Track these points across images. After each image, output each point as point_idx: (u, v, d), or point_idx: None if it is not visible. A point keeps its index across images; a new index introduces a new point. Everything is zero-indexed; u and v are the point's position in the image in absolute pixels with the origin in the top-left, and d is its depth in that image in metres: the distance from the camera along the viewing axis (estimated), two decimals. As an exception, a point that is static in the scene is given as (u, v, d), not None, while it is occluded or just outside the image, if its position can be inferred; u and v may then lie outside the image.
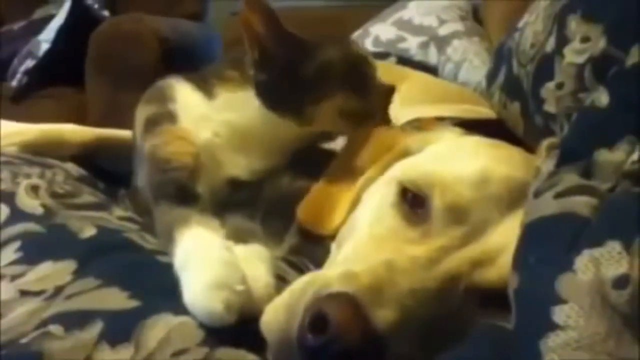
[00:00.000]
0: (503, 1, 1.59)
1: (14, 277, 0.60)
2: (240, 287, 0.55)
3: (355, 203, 0.69)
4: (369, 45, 1.69)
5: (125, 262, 0.63)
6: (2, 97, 1.97)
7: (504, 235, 0.56)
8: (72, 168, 0.86)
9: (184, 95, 0.77)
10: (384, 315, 0.49)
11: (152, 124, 0.74)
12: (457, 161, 0.63)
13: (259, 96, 0.73)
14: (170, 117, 0.74)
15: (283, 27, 0.72)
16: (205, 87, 0.76)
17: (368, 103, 0.74)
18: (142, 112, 0.77)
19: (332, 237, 0.69)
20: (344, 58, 0.73)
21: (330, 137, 0.80)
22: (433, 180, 0.60)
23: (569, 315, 0.42)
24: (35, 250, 0.63)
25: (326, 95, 0.72)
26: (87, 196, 0.78)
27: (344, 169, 0.73)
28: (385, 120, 0.78)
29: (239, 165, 0.74)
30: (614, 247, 0.43)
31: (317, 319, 0.48)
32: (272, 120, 0.74)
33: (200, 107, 0.75)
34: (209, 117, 0.74)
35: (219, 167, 0.73)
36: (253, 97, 0.74)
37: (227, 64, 0.78)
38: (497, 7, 1.65)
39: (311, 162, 0.76)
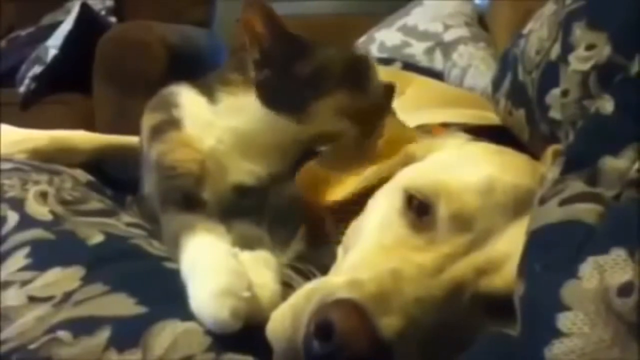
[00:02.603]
0: (509, 7, 1.59)
1: (23, 283, 0.60)
2: (246, 294, 0.55)
3: (359, 190, 0.69)
4: (374, 51, 1.70)
5: (133, 269, 0.63)
6: (10, 103, 1.98)
7: (510, 243, 0.56)
8: (80, 174, 0.87)
9: (188, 101, 0.77)
10: (389, 323, 0.49)
11: (158, 131, 0.75)
12: (463, 169, 0.63)
13: (259, 95, 0.74)
14: (175, 124, 0.75)
15: (283, 27, 0.73)
16: (209, 92, 0.77)
17: (367, 101, 0.75)
18: (147, 121, 0.78)
19: (338, 242, 0.69)
20: (342, 57, 0.74)
21: (332, 139, 0.80)
22: (438, 189, 0.61)
23: (574, 322, 0.42)
24: (44, 257, 0.64)
25: (325, 94, 0.73)
26: (95, 203, 0.78)
27: (359, 155, 0.74)
28: (392, 114, 0.78)
29: (244, 172, 0.75)
30: (619, 254, 0.43)
31: (323, 326, 0.48)
32: (274, 125, 0.74)
33: (204, 113, 0.76)
34: (213, 124, 0.75)
35: (224, 174, 0.74)
36: (255, 102, 0.74)
37: (230, 66, 0.79)
38: (503, 13, 1.65)
39: None
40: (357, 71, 0.75)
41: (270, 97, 0.74)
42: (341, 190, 0.70)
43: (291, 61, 0.73)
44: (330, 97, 0.73)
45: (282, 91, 0.73)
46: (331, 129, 0.76)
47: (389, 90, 0.78)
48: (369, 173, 0.71)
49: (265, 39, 0.72)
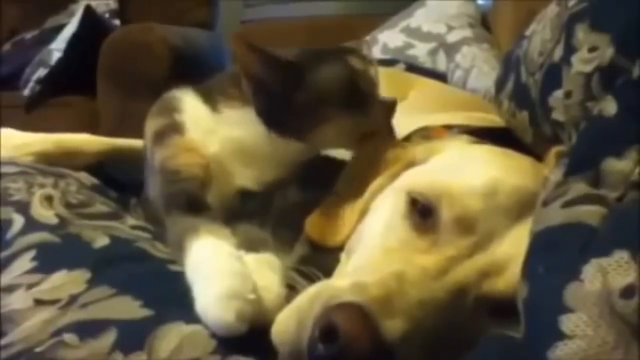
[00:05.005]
0: (512, 8, 1.59)
1: (29, 286, 0.61)
2: (251, 296, 0.55)
3: (363, 213, 0.70)
4: (377, 52, 1.70)
5: (138, 271, 0.63)
6: (14, 106, 1.99)
7: (513, 245, 0.57)
8: (85, 177, 0.87)
9: (191, 107, 0.77)
10: (393, 326, 0.50)
11: (161, 136, 0.75)
12: (466, 171, 0.63)
13: (260, 120, 0.73)
14: (178, 128, 0.75)
15: (276, 57, 0.71)
16: (211, 101, 0.77)
17: (370, 120, 0.74)
18: (151, 125, 0.78)
19: (341, 247, 0.69)
20: (340, 78, 0.72)
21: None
22: (441, 191, 0.61)
23: (577, 324, 0.42)
24: (49, 260, 0.64)
25: (326, 119, 0.72)
26: (100, 206, 0.79)
27: (351, 183, 0.74)
28: (390, 134, 0.78)
29: (248, 177, 0.75)
30: (621, 256, 0.43)
31: (327, 329, 0.49)
32: (275, 138, 0.74)
33: (206, 120, 0.76)
34: (215, 131, 0.75)
35: (228, 178, 0.74)
36: (255, 116, 0.74)
37: (228, 80, 0.79)
38: (507, 14, 1.65)
39: (320, 172, 0.76)
40: (357, 90, 0.73)
41: (272, 123, 0.73)
42: (345, 228, 0.70)
43: (289, 90, 0.72)
44: (331, 121, 0.72)
45: (283, 119, 0.73)
46: (334, 148, 0.77)
47: (390, 107, 0.76)
48: (370, 190, 0.71)
49: (260, 72, 0.71)
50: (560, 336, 0.42)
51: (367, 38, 1.80)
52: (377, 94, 0.75)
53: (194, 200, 0.68)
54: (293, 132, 0.73)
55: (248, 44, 0.71)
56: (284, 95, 0.72)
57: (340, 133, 0.74)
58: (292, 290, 0.60)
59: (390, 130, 0.77)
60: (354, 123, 0.73)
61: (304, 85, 0.72)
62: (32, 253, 0.65)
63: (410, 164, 0.71)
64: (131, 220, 0.77)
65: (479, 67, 1.56)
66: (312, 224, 0.72)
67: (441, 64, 1.65)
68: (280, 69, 0.72)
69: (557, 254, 0.48)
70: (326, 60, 0.74)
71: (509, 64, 0.85)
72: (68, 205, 0.74)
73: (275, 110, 0.73)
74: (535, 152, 0.72)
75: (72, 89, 2.05)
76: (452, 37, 1.68)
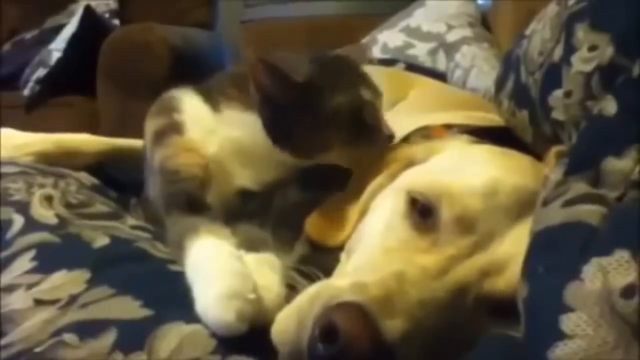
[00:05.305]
0: (512, 8, 1.59)
1: (29, 286, 0.61)
2: (252, 296, 0.55)
3: (363, 213, 0.70)
4: (377, 52, 1.70)
5: (138, 271, 0.63)
6: (14, 106, 1.99)
7: (513, 245, 0.57)
8: (85, 177, 0.87)
9: (191, 107, 0.77)
10: (393, 326, 0.50)
11: (161, 136, 0.75)
12: (466, 171, 0.63)
13: (264, 128, 0.73)
14: (178, 128, 0.75)
15: (289, 79, 0.71)
16: (210, 101, 0.77)
17: (372, 152, 0.74)
18: (150, 125, 0.78)
19: (341, 247, 0.69)
20: (350, 108, 0.72)
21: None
22: (441, 191, 0.61)
23: (577, 324, 0.42)
24: (49, 260, 0.64)
25: (329, 146, 0.72)
26: (100, 206, 0.79)
27: (351, 183, 0.74)
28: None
29: (247, 177, 0.75)
30: (622, 256, 0.43)
31: (327, 329, 0.49)
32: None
33: (207, 120, 0.76)
34: (215, 131, 0.75)
35: (228, 178, 0.74)
36: (256, 118, 0.73)
37: (228, 80, 0.78)
38: (506, 13, 1.65)
39: (320, 172, 0.76)
40: (364, 123, 0.73)
41: (275, 135, 0.73)
42: (345, 228, 0.70)
43: (295, 111, 0.72)
44: (333, 150, 0.73)
45: (287, 135, 0.73)
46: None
47: (389, 140, 0.76)
48: (369, 190, 0.71)
49: (270, 89, 0.71)
50: (561, 336, 0.42)
51: (367, 38, 1.80)
52: (381, 128, 0.75)
53: (193, 200, 0.68)
54: (295, 151, 0.73)
55: (263, 62, 0.70)
56: (292, 116, 0.72)
57: (341, 161, 0.74)
58: (292, 290, 0.60)
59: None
60: (356, 154, 0.74)
61: (313, 110, 0.72)
62: (32, 253, 0.65)
63: (410, 164, 0.71)
64: (131, 220, 0.77)
65: (478, 66, 1.56)
66: (312, 224, 0.72)
67: (441, 63, 1.65)
68: (292, 91, 0.71)
69: (557, 254, 0.48)
70: (339, 90, 0.73)
71: (509, 64, 0.85)
72: (68, 205, 0.74)
73: (280, 126, 0.73)
74: (535, 151, 0.72)
75: (72, 89, 2.05)
76: (451, 37, 1.68)
